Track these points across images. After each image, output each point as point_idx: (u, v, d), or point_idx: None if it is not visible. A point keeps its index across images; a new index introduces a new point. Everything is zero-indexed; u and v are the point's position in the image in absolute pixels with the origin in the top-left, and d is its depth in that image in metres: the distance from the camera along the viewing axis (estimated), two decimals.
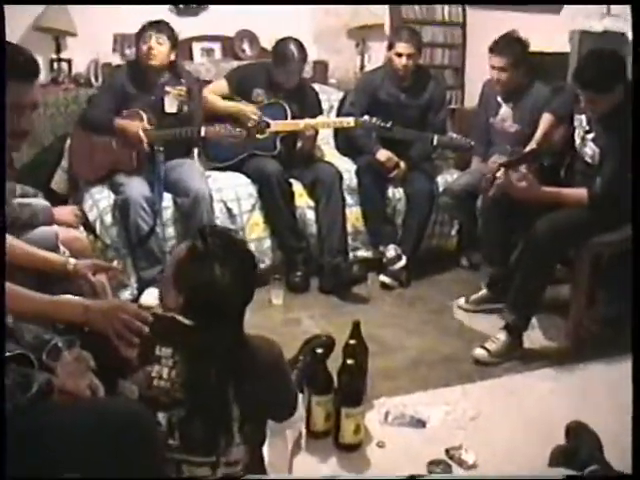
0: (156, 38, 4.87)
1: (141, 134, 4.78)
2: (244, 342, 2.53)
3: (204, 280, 2.42)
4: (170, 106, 4.94)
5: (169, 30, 4.94)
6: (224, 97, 5.35)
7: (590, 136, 4.23)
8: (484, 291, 4.81)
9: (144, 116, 4.86)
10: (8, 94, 2.27)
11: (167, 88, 4.95)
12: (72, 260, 3.06)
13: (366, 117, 5.18)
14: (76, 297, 2.63)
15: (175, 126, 4.93)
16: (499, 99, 5.13)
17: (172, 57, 4.97)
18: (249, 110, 5.25)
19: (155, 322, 2.51)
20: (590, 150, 4.23)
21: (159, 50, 4.88)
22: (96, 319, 2.46)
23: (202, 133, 4.95)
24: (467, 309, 4.82)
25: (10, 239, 2.95)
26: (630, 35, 5.75)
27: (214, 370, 2.42)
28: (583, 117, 4.27)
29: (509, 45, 4.94)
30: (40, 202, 3.85)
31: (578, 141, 4.34)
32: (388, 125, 5.13)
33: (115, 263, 3.75)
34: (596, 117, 4.14)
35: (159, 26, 4.91)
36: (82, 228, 4.29)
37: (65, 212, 3.98)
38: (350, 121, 5.23)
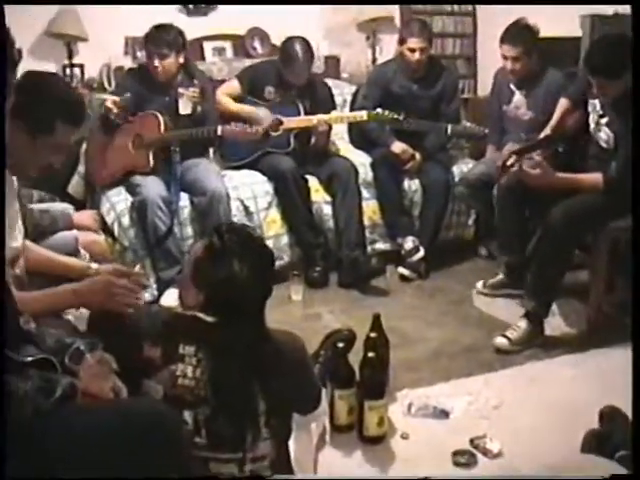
0: (158, 55, 4.88)
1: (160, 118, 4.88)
2: (267, 336, 2.55)
3: (223, 276, 2.44)
4: (184, 108, 4.96)
5: (172, 35, 4.93)
6: (236, 97, 5.38)
7: (604, 120, 4.23)
8: (501, 276, 4.84)
9: (160, 118, 4.89)
10: (51, 133, 2.48)
11: (180, 90, 4.95)
12: (93, 265, 3.09)
13: (379, 110, 5.17)
14: (66, 284, 2.68)
15: (190, 126, 4.96)
16: (512, 87, 5.13)
17: (181, 60, 4.98)
18: (261, 113, 5.25)
19: (177, 321, 2.55)
20: (605, 135, 4.23)
21: (163, 65, 4.91)
22: (91, 299, 2.57)
23: (219, 132, 4.96)
24: (485, 293, 4.85)
25: (30, 245, 2.98)
26: None
27: (238, 365, 2.44)
28: (597, 102, 4.26)
29: (519, 34, 4.94)
30: (59, 206, 3.89)
31: (592, 126, 4.33)
32: (400, 117, 5.13)
33: (137, 268, 3.78)
34: (609, 102, 4.13)
35: (160, 37, 4.89)
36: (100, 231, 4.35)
37: (85, 216, 4.03)
38: (363, 115, 5.22)
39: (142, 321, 2.63)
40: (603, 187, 4.09)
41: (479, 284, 4.91)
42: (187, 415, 2.40)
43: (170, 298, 4.51)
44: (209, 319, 2.45)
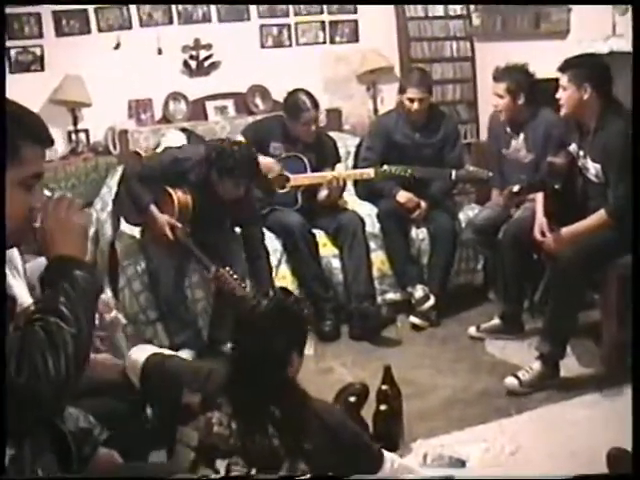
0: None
1: (167, 231, 4.60)
2: (300, 398, 2.57)
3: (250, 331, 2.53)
4: None
5: None
6: None
7: (588, 158, 4.24)
8: (497, 321, 4.87)
9: (174, 196, 4.69)
10: (20, 162, 1.82)
11: None
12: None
13: (385, 167, 5.22)
14: None
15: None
16: (508, 130, 5.13)
17: None
18: (268, 163, 5.23)
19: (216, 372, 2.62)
20: (593, 169, 4.22)
21: None
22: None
23: (210, 275, 4.56)
24: (478, 337, 4.87)
25: None
26: None
27: (261, 418, 2.46)
28: (574, 145, 4.31)
29: (508, 72, 4.98)
30: None
31: (579, 163, 4.35)
32: (407, 173, 5.16)
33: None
34: (588, 139, 4.20)
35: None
36: (111, 294, 4.36)
37: None
38: (370, 172, 5.27)
39: (183, 369, 2.69)
40: (610, 221, 4.09)
41: (472, 329, 4.92)
42: (219, 464, 2.40)
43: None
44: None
